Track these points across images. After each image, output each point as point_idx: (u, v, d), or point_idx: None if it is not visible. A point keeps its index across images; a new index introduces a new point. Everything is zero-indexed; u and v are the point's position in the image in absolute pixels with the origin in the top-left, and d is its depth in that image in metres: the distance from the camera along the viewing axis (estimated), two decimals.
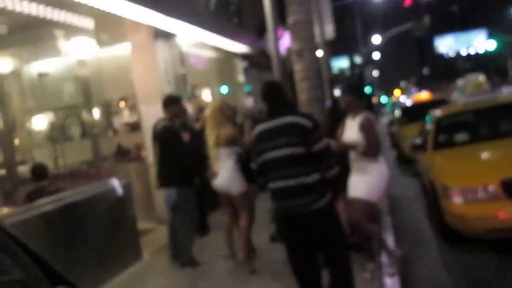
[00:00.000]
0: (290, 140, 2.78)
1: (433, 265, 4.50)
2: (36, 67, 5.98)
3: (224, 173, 4.39)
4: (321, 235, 2.85)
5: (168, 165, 4.59)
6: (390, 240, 4.86)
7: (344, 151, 3.85)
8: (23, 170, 5.58)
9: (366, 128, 3.68)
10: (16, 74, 5.96)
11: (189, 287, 4.35)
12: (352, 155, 3.86)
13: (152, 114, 6.75)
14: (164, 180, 4.67)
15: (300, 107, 5.30)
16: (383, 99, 55.98)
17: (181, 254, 4.76)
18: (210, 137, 4.47)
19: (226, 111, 4.54)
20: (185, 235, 4.75)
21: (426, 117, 7.34)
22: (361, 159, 3.79)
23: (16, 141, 6.12)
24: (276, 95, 3.01)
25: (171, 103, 4.78)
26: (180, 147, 4.68)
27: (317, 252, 2.92)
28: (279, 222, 3.06)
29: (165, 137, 4.59)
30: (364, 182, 3.77)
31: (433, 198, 5.23)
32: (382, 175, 3.78)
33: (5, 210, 4.32)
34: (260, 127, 2.99)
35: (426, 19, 26.56)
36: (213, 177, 4.54)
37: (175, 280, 4.57)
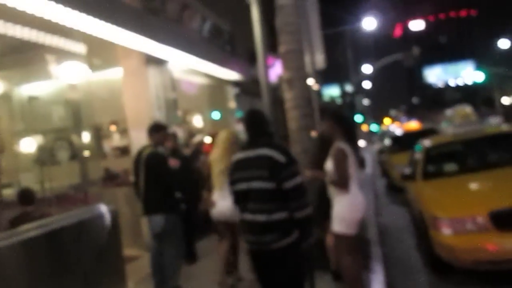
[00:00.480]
0: (261, 173, 2.68)
1: None
2: (27, 90, 5.98)
3: (229, 201, 4.33)
4: (279, 273, 2.72)
5: (155, 191, 4.55)
6: (380, 270, 4.81)
7: (315, 180, 3.91)
8: (8, 193, 5.48)
9: (336, 158, 3.72)
10: (5, 96, 5.94)
11: None
12: (329, 186, 3.89)
13: (142, 139, 6.70)
14: (151, 206, 4.61)
15: (291, 135, 5.32)
16: (374, 127, 56.51)
17: (166, 282, 4.65)
18: (219, 164, 4.42)
19: (238, 140, 4.52)
20: (172, 262, 4.67)
21: (416, 146, 7.39)
22: (334, 191, 3.82)
23: (3, 163, 6.04)
24: (256, 125, 2.93)
25: (156, 130, 4.78)
26: (167, 173, 4.66)
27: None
28: (249, 255, 2.98)
29: (152, 163, 4.56)
30: (335, 214, 3.79)
31: (422, 228, 5.21)
32: (353, 205, 3.76)
33: None
34: (237, 156, 2.94)
35: (415, 50, 27.13)
36: (211, 205, 4.52)
37: None
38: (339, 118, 3.96)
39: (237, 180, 2.83)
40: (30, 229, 4.15)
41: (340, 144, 3.76)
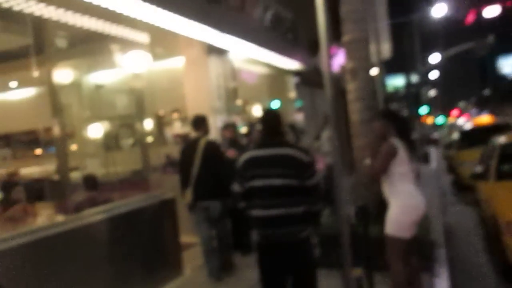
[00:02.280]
0: (285, 171, 2.85)
1: None
2: (94, 78, 6.20)
3: None
4: (301, 262, 2.94)
5: (212, 179, 4.71)
6: (444, 275, 4.53)
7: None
8: (75, 176, 5.73)
9: (382, 150, 3.59)
10: (75, 84, 6.20)
11: None
12: (383, 187, 3.73)
13: None
14: (208, 193, 4.76)
15: (352, 128, 5.11)
16: (440, 119, 53.86)
17: (220, 264, 4.88)
18: None
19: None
20: (227, 244, 4.98)
21: (488, 142, 6.87)
22: (387, 191, 3.64)
23: (72, 148, 6.33)
24: (273, 125, 3.06)
25: (202, 121, 5.01)
26: (222, 162, 4.87)
27: (287, 280, 3.00)
28: (261, 249, 3.02)
29: (209, 152, 4.74)
30: (388, 215, 3.61)
31: (494, 232, 4.83)
32: (405, 207, 3.53)
33: (59, 217, 4.42)
34: (251, 153, 3.03)
35: (490, 38, 25.34)
36: None
37: None
38: (392, 117, 3.80)
39: (252, 176, 2.94)
40: (94, 214, 4.31)
41: (392, 140, 3.60)
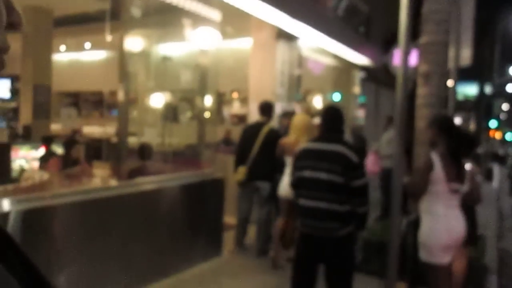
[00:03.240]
0: (333, 167, 2.91)
1: None
2: (162, 50, 6.29)
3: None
4: (334, 260, 2.99)
5: (268, 163, 5.03)
6: None
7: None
8: (133, 141, 5.89)
9: (420, 165, 3.30)
10: (144, 54, 6.33)
11: None
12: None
13: None
14: (261, 174, 5.11)
15: (418, 135, 4.85)
16: (509, 136, 50.65)
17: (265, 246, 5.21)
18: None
19: (313, 126, 4.71)
20: (270, 227, 5.24)
21: None
22: (421, 209, 3.28)
23: (133, 114, 6.51)
24: (334, 121, 3.12)
25: (269, 108, 5.32)
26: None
27: (318, 271, 3.08)
28: (300, 237, 3.12)
29: (271, 138, 4.99)
30: (418, 239, 3.26)
31: None
32: (433, 230, 3.15)
33: (112, 181, 4.56)
34: (307, 145, 3.15)
35: None
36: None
37: (250, 283, 4.46)
38: (446, 126, 3.36)
39: (304, 167, 3.03)
40: (145, 183, 4.41)
41: (432, 154, 3.24)
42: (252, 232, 5.50)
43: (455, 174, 3.18)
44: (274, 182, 4.99)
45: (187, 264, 4.63)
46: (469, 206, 4.05)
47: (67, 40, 9.34)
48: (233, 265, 4.98)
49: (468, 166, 4.02)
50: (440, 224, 3.15)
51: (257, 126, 5.22)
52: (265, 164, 5.04)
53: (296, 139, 4.52)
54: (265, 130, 5.13)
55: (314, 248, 3.01)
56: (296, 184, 3.12)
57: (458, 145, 3.30)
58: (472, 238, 4.10)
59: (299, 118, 4.85)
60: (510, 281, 5.33)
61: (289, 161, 4.49)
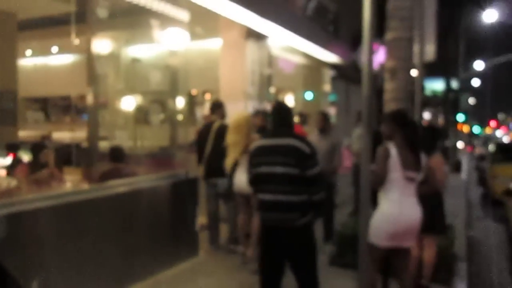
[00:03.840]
0: (287, 160, 3.01)
1: None
2: (131, 51, 6.22)
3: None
4: (297, 250, 3.09)
5: (221, 159, 5.03)
6: None
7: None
8: (104, 145, 5.80)
9: (376, 155, 3.38)
10: (113, 56, 6.24)
11: None
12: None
13: (233, 112, 6.75)
14: (217, 171, 5.18)
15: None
16: (476, 129, 52.23)
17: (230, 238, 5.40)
18: (237, 148, 4.76)
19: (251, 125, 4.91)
20: (233, 217, 5.36)
21: None
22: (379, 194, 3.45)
23: (103, 118, 6.41)
24: (283, 116, 3.24)
25: (218, 106, 5.54)
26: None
27: (285, 263, 3.14)
28: (262, 230, 3.21)
29: (221, 134, 5.11)
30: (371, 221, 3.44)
31: None
32: (385, 215, 3.32)
33: (84, 185, 4.49)
34: (260, 142, 3.24)
35: None
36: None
37: (227, 282, 4.47)
38: (400, 120, 3.49)
39: (259, 163, 3.13)
40: (118, 185, 4.36)
41: (389, 143, 3.37)
42: (224, 230, 5.56)
43: (411, 162, 3.32)
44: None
45: (163, 266, 4.60)
46: (436, 196, 4.19)
47: (32, 44, 9.12)
48: (209, 265, 4.98)
49: (436, 157, 4.16)
50: (393, 210, 3.30)
51: (209, 125, 5.47)
52: (219, 160, 5.09)
53: (232, 140, 4.74)
54: (215, 127, 5.34)
55: (277, 240, 3.09)
56: (253, 180, 3.21)
57: (414, 136, 3.41)
58: (441, 227, 4.24)
59: (232, 117, 5.05)
60: (479, 268, 5.51)
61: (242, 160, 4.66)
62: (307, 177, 2.99)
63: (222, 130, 5.16)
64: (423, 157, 3.44)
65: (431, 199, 4.10)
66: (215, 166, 5.23)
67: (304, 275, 3.13)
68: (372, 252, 3.39)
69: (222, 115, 5.52)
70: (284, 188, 3.02)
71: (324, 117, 5.90)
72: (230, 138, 4.86)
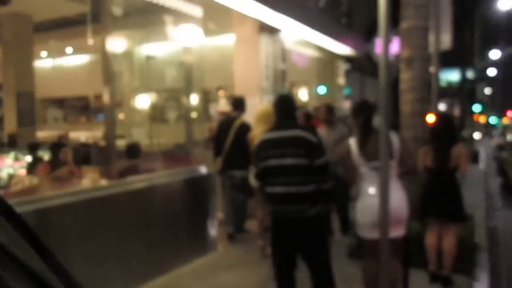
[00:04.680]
0: (296, 151, 3.03)
1: None
2: (145, 50, 6.27)
3: None
4: (310, 239, 3.10)
5: (240, 153, 5.26)
6: (484, 280, 4.34)
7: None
8: (121, 144, 5.87)
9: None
10: (127, 54, 6.30)
11: (257, 286, 4.25)
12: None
13: (248, 106, 6.77)
14: (235, 164, 5.45)
15: (402, 119, 4.93)
16: (493, 120, 51.36)
17: (238, 228, 5.70)
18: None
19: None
20: (245, 210, 5.73)
21: None
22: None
23: (120, 116, 6.48)
24: (287, 108, 3.25)
25: (241, 103, 5.71)
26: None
27: (297, 254, 3.17)
28: (273, 223, 3.21)
29: (242, 131, 5.35)
30: None
31: None
32: (361, 208, 3.33)
33: (103, 181, 4.55)
34: (266, 136, 3.22)
35: None
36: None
37: (246, 276, 4.50)
38: (358, 111, 3.46)
39: (267, 157, 3.12)
40: (136, 181, 4.41)
41: (350, 139, 3.44)
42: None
43: (376, 152, 3.16)
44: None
45: (183, 260, 4.65)
46: (455, 186, 4.15)
47: (48, 46, 9.25)
48: (228, 259, 5.01)
49: (459, 146, 4.12)
50: (366, 202, 3.30)
51: (230, 121, 5.64)
52: (238, 154, 5.33)
53: (261, 130, 4.60)
54: (236, 123, 5.53)
55: (288, 231, 3.11)
56: (262, 174, 3.19)
57: (367, 121, 3.36)
58: (461, 215, 4.20)
59: (258, 109, 5.03)
60: (499, 258, 5.44)
61: None
62: (316, 166, 3.01)
63: (243, 129, 5.38)
64: (395, 141, 3.30)
65: (449, 188, 4.08)
66: (233, 159, 5.44)
67: (317, 264, 3.14)
68: (369, 247, 3.39)
69: (242, 111, 5.69)
70: (295, 179, 3.03)
71: (328, 109, 5.89)
72: (257, 130, 4.81)
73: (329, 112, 5.83)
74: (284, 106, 3.27)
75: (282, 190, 3.06)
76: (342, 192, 5.32)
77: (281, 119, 3.24)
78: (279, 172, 3.07)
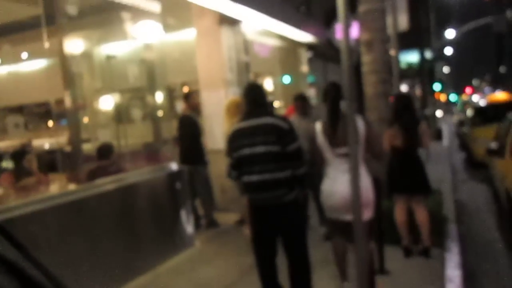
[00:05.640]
0: (267, 138, 3.04)
1: (502, 281, 4.11)
2: (105, 49, 6.13)
3: None
4: (287, 225, 3.14)
5: (186, 147, 5.61)
6: (455, 250, 4.51)
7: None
8: (87, 148, 5.75)
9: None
10: (86, 55, 6.14)
11: (237, 277, 4.27)
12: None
13: (214, 100, 6.73)
14: (183, 158, 5.65)
15: (366, 101, 5.03)
16: (452, 97, 53.08)
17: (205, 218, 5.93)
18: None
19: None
20: (210, 202, 5.94)
21: (504, 119, 6.74)
22: None
23: (84, 120, 6.32)
24: (256, 97, 3.25)
25: (188, 97, 5.88)
26: (196, 133, 5.74)
27: (277, 240, 3.21)
28: (251, 211, 3.23)
29: (182, 124, 5.63)
30: None
31: (508, 208, 4.78)
32: (321, 191, 3.47)
33: (71, 186, 4.45)
34: (238, 125, 3.21)
35: (509, 14, 24.61)
36: None
37: (226, 268, 4.51)
38: (325, 96, 3.52)
39: (240, 146, 3.13)
40: (106, 183, 4.33)
41: (316, 124, 3.52)
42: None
43: (341, 138, 3.26)
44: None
45: (161, 258, 4.62)
46: (419, 161, 4.32)
47: (2, 52, 8.89)
48: (206, 254, 5.01)
49: (423, 124, 4.25)
50: (327, 186, 3.42)
51: (179, 116, 5.95)
52: (184, 148, 5.52)
53: (232, 122, 4.64)
54: (180, 117, 5.78)
55: (267, 218, 3.15)
56: (236, 164, 3.19)
57: (334, 106, 3.40)
58: (426, 187, 4.37)
59: (226, 103, 5.10)
60: (468, 229, 5.66)
61: None
62: (288, 152, 3.04)
63: (184, 121, 5.62)
64: (361, 127, 3.34)
65: (411, 163, 4.25)
66: (182, 153, 5.68)
67: (294, 249, 3.20)
68: (331, 227, 3.61)
69: (194, 105, 5.83)
70: (269, 166, 3.05)
71: (302, 101, 5.91)
72: (228, 123, 4.82)
73: (304, 104, 5.85)
74: (254, 94, 3.26)
75: (257, 178, 3.07)
76: (319, 180, 5.38)
77: (252, 107, 3.22)
78: (253, 161, 3.08)
